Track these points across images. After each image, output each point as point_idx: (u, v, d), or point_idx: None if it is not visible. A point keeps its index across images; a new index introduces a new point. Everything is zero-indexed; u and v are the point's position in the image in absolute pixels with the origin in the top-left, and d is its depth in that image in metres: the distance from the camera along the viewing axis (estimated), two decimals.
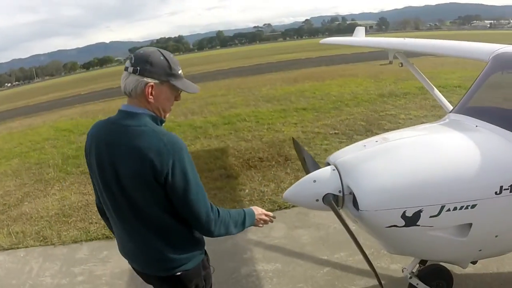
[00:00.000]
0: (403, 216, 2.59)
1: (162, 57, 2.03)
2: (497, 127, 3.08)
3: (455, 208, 2.63)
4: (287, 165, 7.39)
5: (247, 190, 6.41)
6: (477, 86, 3.79)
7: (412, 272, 3.34)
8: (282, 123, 10.70)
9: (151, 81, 2.00)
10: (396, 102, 11.42)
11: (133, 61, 2.01)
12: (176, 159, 1.94)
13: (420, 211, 2.59)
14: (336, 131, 9.37)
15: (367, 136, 8.74)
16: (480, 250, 2.92)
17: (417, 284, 3.23)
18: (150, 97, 2.02)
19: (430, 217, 2.61)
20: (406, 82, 13.92)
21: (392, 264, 4.08)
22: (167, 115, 2.19)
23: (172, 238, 2.12)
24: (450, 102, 5.30)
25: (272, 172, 7.09)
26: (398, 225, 2.61)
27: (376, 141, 2.99)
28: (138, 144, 1.93)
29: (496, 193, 2.70)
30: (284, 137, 9.34)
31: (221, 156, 8.29)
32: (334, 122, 10.25)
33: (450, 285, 3.42)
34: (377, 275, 2.67)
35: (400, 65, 5.89)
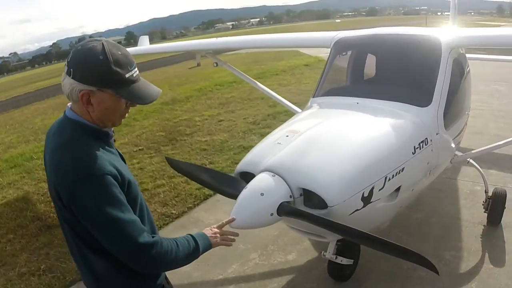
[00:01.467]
0: (362, 198, 2.67)
1: (102, 57, 1.58)
2: (375, 99, 3.45)
3: (392, 176, 2.85)
4: None
5: None
6: (328, 70, 4.15)
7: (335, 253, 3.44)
8: None
9: (85, 88, 1.61)
10: (183, 107, 11.54)
11: (69, 59, 1.63)
12: (77, 187, 1.56)
13: (372, 188, 2.71)
14: (140, 147, 8.87)
15: (174, 146, 8.79)
16: (401, 206, 3.22)
17: (341, 260, 3.33)
18: (88, 106, 1.66)
19: (379, 190, 2.77)
20: (183, 87, 14.21)
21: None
22: (117, 124, 1.82)
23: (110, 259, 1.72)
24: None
25: None
26: (358, 208, 2.68)
27: (287, 136, 2.95)
28: (49, 158, 1.68)
29: (412, 153, 3.03)
30: None
31: (27, 207, 6.90)
32: (132, 138, 9.69)
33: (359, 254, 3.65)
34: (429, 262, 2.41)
35: (214, 65, 5.99)
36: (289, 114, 9.26)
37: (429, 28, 4.11)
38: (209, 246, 1.99)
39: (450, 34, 3.76)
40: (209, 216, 5.08)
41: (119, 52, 1.63)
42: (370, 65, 4.33)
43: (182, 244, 1.79)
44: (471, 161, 4.29)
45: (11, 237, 5.38)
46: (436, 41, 3.67)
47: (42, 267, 4.40)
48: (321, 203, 2.56)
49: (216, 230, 2.09)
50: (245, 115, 9.80)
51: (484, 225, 4.44)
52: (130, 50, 7.91)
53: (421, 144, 3.15)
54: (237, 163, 6.49)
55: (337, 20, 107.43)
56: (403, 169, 2.92)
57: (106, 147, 1.73)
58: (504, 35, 3.85)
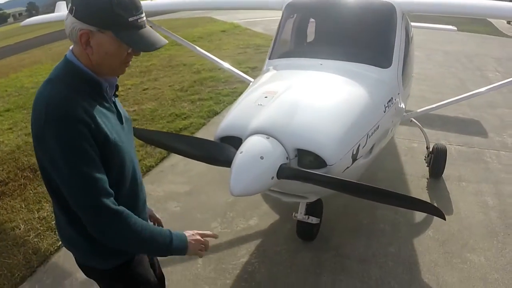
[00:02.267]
0: (352, 155, 2.69)
1: None
2: (338, 61, 3.48)
3: (372, 134, 2.92)
4: (38, 176, 5.97)
5: (22, 227, 4.28)
6: (281, 32, 4.11)
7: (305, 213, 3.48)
8: None
9: (85, 28, 1.51)
10: None
11: None
12: (46, 128, 1.47)
13: (359, 145, 2.75)
14: None
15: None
16: (372, 163, 3.31)
17: (312, 220, 3.38)
18: (87, 48, 1.55)
19: (362, 148, 2.82)
20: None
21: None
22: (116, 75, 1.71)
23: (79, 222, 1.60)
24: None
25: (31, 192, 5.04)
26: (349, 166, 2.70)
27: (266, 97, 2.87)
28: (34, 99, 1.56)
29: (383, 112, 3.12)
30: (8, 148, 6.70)
31: None
32: None
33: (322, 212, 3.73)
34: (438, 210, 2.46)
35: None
36: (215, 79, 9.19)
37: None
38: (183, 249, 1.76)
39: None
40: (156, 188, 4.87)
41: None
42: (325, 28, 4.33)
43: (153, 230, 1.64)
44: (413, 120, 4.51)
45: None
46: (391, 6, 3.78)
47: None
48: (317, 163, 2.53)
49: (198, 237, 1.86)
50: (170, 82, 9.45)
51: (427, 178, 4.76)
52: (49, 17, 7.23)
53: (389, 103, 3.25)
54: (172, 132, 6.43)
55: None
56: (378, 127, 3.00)
57: (96, 98, 1.60)
58: (451, 4, 4.03)
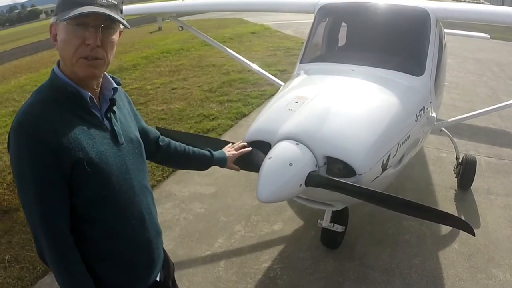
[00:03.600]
0: (382, 165, 2.64)
1: None
2: (370, 67, 3.43)
3: (402, 143, 2.87)
4: None
5: None
6: (313, 36, 4.08)
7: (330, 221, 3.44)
8: None
9: (52, 20, 1.47)
10: (132, 75, 10.94)
11: None
12: (11, 144, 1.40)
13: (389, 155, 2.69)
14: None
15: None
16: (401, 172, 3.25)
17: (337, 228, 3.34)
18: (55, 43, 1.48)
19: (393, 157, 2.76)
20: (127, 54, 13.51)
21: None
22: (77, 72, 1.46)
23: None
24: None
25: None
26: (378, 175, 2.65)
27: (297, 102, 2.84)
28: None
29: (415, 121, 3.06)
30: None
31: None
32: None
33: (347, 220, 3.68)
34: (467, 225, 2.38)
35: (180, 29, 5.66)
36: (244, 81, 9.21)
37: (415, 0, 4.13)
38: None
39: (435, 6, 3.78)
40: (182, 189, 4.91)
41: None
42: (358, 33, 4.28)
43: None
44: (444, 129, 4.42)
45: None
46: (425, 12, 3.71)
47: (6, 257, 3.84)
48: (346, 172, 2.49)
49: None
50: (199, 82, 9.51)
51: (455, 190, 4.64)
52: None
53: (421, 112, 3.19)
54: (200, 132, 6.47)
55: None
56: (409, 136, 2.95)
57: (77, 113, 1.45)
58: (485, 11, 3.95)
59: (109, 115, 1.55)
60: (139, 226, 1.60)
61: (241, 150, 2.38)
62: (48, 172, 1.36)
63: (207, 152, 2.19)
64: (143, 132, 1.88)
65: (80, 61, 1.43)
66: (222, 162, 2.26)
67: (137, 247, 1.61)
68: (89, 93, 1.47)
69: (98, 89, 1.55)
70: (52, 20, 1.45)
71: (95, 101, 1.50)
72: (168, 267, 1.91)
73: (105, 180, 1.47)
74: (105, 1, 1.42)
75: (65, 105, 1.43)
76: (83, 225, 1.47)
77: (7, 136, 1.47)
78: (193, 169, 2.34)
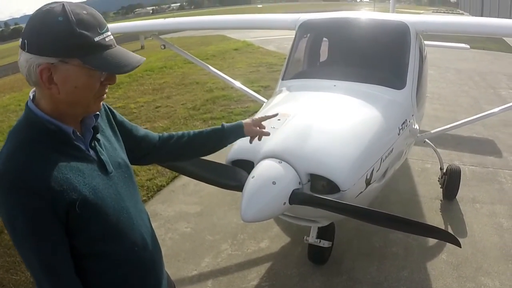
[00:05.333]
0: (366, 180, 2.64)
1: (61, 17, 1.23)
2: (351, 82, 3.46)
3: (386, 157, 2.88)
4: None
5: None
6: (294, 52, 4.11)
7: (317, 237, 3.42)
8: None
9: (44, 61, 1.25)
10: (115, 94, 10.80)
11: (23, 29, 1.30)
12: None
13: (373, 170, 2.70)
14: None
15: None
16: (385, 186, 3.25)
17: (324, 243, 3.32)
18: (52, 87, 1.29)
19: (376, 172, 2.77)
20: None
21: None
22: (94, 110, 1.43)
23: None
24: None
25: None
26: (362, 190, 2.65)
27: (279, 120, 2.82)
28: None
29: (398, 134, 3.08)
30: None
31: None
32: None
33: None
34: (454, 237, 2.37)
35: (162, 47, 5.67)
36: (227, 98, 9.21)
37: (395, 14, 4.20)
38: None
39: (415, 19, 3.85)
40: (167, 208, 4.85)
41: (84, 12, 1.28)
42: (339, 48, 4.33)
43: None
44: (427, 141, 4.45)
45: None
46: (405, 26, 3.76)
47: None
48: (330, 188, 2.48)
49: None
50: (183, 100, 9.50)
51: (441, 200, 4.67)
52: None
53: (403, 125, 3.21)
54: None
55: (258, 5, 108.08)
56: (392, 149, 2.96)
57: (62, 150, 1.35)
58: (464, 23, 4.03)
59: (93, 144, 1.46)
60: (143, 250, 1.55)
61: (263, 116, 2.15)
62: (42, 222, 1.27)
63: (217, 127, 2.00)
64: (142, 138, 1.81)
65: (96, 101, 1.39)
66: (238, 129, 2.01)
67: (144, 271, 1.57)
68: (72, 128, 1.37)
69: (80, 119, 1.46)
70: (42, 60, 1.25)
71: (78, 133, 1.41)
72: (170, 286, 1.88)
73: (103, 215, 1.39)
74: (111, 39, 1.35)
75: (46, 144, 1.32)
76: (86, 262, 1.41)
77: None
78: (209, 152, 2.07)
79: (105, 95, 1.42)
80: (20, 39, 1.27)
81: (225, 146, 2.02)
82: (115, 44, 1.36)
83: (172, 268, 3.74)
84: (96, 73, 1.32)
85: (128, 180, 1.56)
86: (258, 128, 2.06)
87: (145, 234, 1.57)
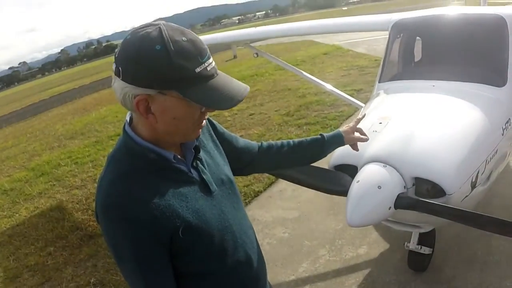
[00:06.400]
0: (471, 183, 2.55)
1: (159, 46, 1.14)
2: (450, 81, 3.33)
3: (490, 159, 2.76)
4: None
5: None
6: (389, 53, 4.04)
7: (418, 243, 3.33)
8: (103, 156, 9.48)
9: (141, 92, 1.20)
10: None
11: (116, 54, 1.22)
12: (103, 227, 1.29)
13: (478, 172, 2.60)
14: None
15: None
16: (490, 189, 3.10)
17: (424, 250, 3.26)
18: (149, 116, 1.25)
19: (481, 174, 2.66)
20: None
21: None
22: (193, 137, 1.39)
23: None
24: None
25: None
26: (467, 194, 2.57)
27: (381, 123, 2.81)
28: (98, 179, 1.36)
29: (502, 134, 2.93)
30: None
31: (64, 216, 6.50)
32: None
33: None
34: None
35: (255, 55, 5.83)
36: (321, 103, 9.21)
37: (489, 7, 3.97)
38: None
39: (510, 11, 3.60)
40: (265, 214, 4.97)
41: (184, 38, 1.18)
42: (434, 47, 4.19)
43: None
44: None
45: (51, 249, 5.19)
46: (501, 19, 3.54)
47: (92, 280, 4.09)
48: (435, 192, 2.44)
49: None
50: (276, 107, 9.65)
51: None
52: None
53: (507, 125, 3.05)
54: None
55: (343, 8, 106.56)
56: (496, 151, 2.83)
57: (164, 175, 1.33)
58: None
59: (195, 164, 1.42)
60: (247, 268, 1.52)
61: (359, 121, 2.08)
62: (147, 250, 1.27)
63: (317, 136, 1.95)
64: (243, 149, 1.78)
65: (195, 128, 1.34)
66: (338, 138, 1.96)
67: None
68: (172, 153, 1.35)
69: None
70: (139, 91, 1.20)
71: (178, 156, 1.37)
72: None
73: (207, 237, 1.36)
74: (213, 67, 1.27)
75: (147, 171, 1.30)
76: (188, 281, 1.41)
77: (90, 165, 1.50)
78: (309, 162, 2.02)
79: (204, 122, 1.37)
80: (114, 64, 1.20)
81: (325, 156, 1.99)
82: (217, 72, 1.27)
83: (270, 273, 3.77)
84: (196, 105, 1.25)
85: (232, 196, 1.52)
86: (357, 134, 2.01)
87: (249, 251, 1.53)
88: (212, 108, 1.30)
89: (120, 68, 1.18)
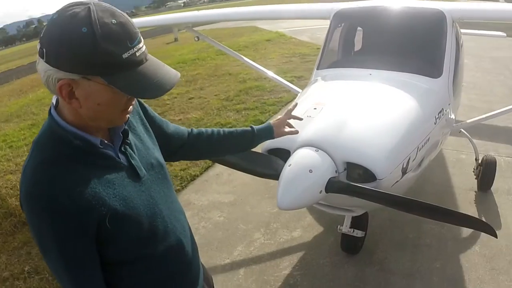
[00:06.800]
0: (402, 169, 2.63)
1: (85, 28, 1.05)
2: (387, 71, 3.43)
3: (422, 146, 2.86)
4: None
5: None
6: (329, 42, 4.09)
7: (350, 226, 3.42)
8: None
9: (64, 77, 1.12)
10: None
11: (41, 33, 1.13)
12: (27, 216, 1.22)
13: (409, 159, 2.68)
14: None
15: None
16: (420, 176, 3.22)
17: (357, 233, 3.33)
18: (72, 101, 1.17)
19: (412, 161, 2.75)
20: None
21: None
22: (119, 123, 1.33)
23: None
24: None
25: None
26: (398, 180, 2.64)
27: (315, 109, 2.84)
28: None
29: (434, 123, 3.04)
30: None
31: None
32: None
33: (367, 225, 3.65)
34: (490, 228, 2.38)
35: (196, 39, 5.72)
36: (260, 89, 9.23)
37: (431, 1, 4.11)
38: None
39: (451, 6, 3.76)
40: (201, 198, 4.93)
41: (113, 21, 1.10)
42: (374, 37, 4.28)
43: None
44: (462, 131, 4.36)
45: None
46: (441, 13, 3.69)
47: (26, 268, 3.91)
48: (366, 177, 2.49)
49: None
50: (216, 91, 9.57)
51: (475, 191, 4.57)
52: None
53: (439, 114, 3.17)
54: None
55: None
56: (428, 139, 2.93)
57: (90, 162, 1.26)
58: (501, 10, 3.91)
59: (123, 149, 1.36)
60: (178, 254, 1.51)
61: (290, 114, 2.08)
62: (72, 241, 1.21)
63: (247, 128, 1.94)
64: (173, 134, 1.73)
65: (121, 114, 1.28)
66: (267, 131, 1.97)
67: (180, 273, 1.53)
68: (99, 138, 1.28)
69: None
70: (62, 75, 1.12)
71: (105, 142, 1.30)
72: (208, 281, 1.87)
73: (135, 224, 1.32)
74: (143, 52, 1.18)
75: (72, 157, 1.22)
76: (119, 268, 1.37)
77: (25, 149, 1.42)
78: (237, 152, 2.07)
79: (131, 107, 1.30)
80: (39, 44, 1.11)
81: (254, 147, 2.00)
82: (147, 57, 1.19)
83: (205, 256, 3.81)
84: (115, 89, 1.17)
85: (162, 181, 1.49)
86: (287, 127, 2.03)
87: (180, 235, 1.51)
88: (137, 97, 1.25)
89: (44, 49, 1.10)
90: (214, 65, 12.55)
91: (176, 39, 20.14)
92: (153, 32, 22.33)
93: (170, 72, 1.24)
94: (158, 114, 1.71)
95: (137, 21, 6.44)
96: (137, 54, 1.14)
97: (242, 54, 6.27)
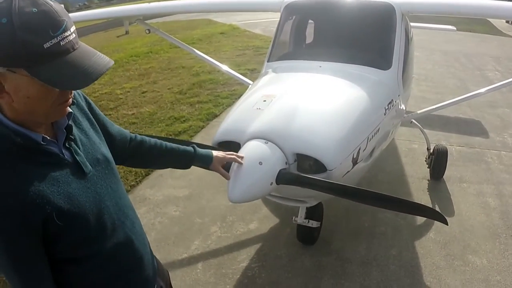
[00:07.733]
0: (352, 159, 2.66)
1: (5, 19, 1.02)
2: (337, 63, 3.46)
3: (372, 137, 2.90)
4: None
5: None
6: (280, 34, 4.09)
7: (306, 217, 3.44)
8: None
9: None
10: (101, 80, 10.58)
11: None
12: None
13: (359, 149, 2.72)
14: None
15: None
16: (371, 166, 3.28)
17: (312, 224, 3.35)
18: (3, 95, 1.13)
19: (363, 151, 2.79)
20: None
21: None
22: (53, 119, 1.28)
23: None
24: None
25: None
26: (349, 170, 2.67)
27: (264, 101, 2.83)
28: None
29: (384, 114, 3.09)
30: None
31: None
32: None
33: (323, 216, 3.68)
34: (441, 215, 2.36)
35: (147, 32, 5.58)
36: (214, 82, 9.16)
37: None
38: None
39: (400, 0, 3.83)
40: (156, 193, 4.83)
41: (34, 9, 1.04)
42: (324, 30, 4.31)
43: None
44: (414, 121, 4.48)
45: None
46: (390, 7, 3.76)
47: None
48: (316, 168, 2.49)
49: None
50: (169, 85, 9.40)
51: (428, 180, 4.73)
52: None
53: (389, 105, 3.22)
54: (171, 135, 6.41)
55: None
56: (379, 129, 2.98)
57: (32, 158, 1.22)
58: (450, 4, 4.01)
59: (67, 145, 1.32)
60: (128, 250, 1.49)
61: (232, 157, 2.13)
62: (18, 241, 1.18)
63: (189, 149, 1.93)
64: (116, 136, 1.69)
65: (58, 107, 1.21)
66: (206, 160, 1.98)
67: (130, 269, 1.51)
68: (41, 135, 1.23)
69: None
70: None
71: (48, 138, 1.26)
72: (163, 276, 1.84)
73: (82, 222, 1.29)
74: (71, 40, 1.12)
75: (15, 155, 1.18)
76: (67, 265, 1.35)
77: None
78: (173, 167, 2.04)
79: (70, 100, 1.25)
80: None
81: (189, 168, 2.00)
82: (75, 46, 1.14)
83: (162, 252, 3.75)
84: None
85: (109, 176, 1.45)
86: (222, 169, 2.06)
87: (129, 231, 1.49)
88: (62, 89, 1.17)
89: None
90: (168, 58, 12.33)
91: (127, 32, 19.60)
92: (104, 25, 21.63)
93: (100, 61, 1.18)
94: (111, 108, 1.64)
95: (85, 13, 6.24)
96: (62, 43, 1.09)
97: (196, 47, 6.19)
